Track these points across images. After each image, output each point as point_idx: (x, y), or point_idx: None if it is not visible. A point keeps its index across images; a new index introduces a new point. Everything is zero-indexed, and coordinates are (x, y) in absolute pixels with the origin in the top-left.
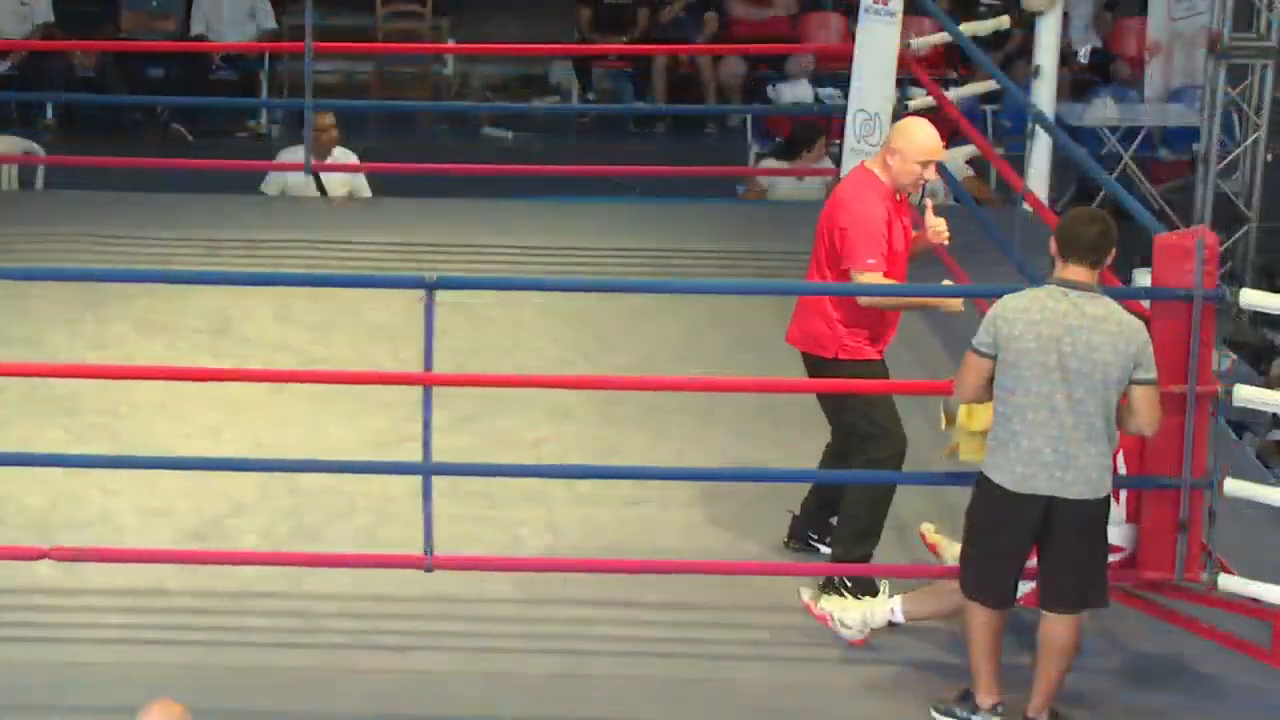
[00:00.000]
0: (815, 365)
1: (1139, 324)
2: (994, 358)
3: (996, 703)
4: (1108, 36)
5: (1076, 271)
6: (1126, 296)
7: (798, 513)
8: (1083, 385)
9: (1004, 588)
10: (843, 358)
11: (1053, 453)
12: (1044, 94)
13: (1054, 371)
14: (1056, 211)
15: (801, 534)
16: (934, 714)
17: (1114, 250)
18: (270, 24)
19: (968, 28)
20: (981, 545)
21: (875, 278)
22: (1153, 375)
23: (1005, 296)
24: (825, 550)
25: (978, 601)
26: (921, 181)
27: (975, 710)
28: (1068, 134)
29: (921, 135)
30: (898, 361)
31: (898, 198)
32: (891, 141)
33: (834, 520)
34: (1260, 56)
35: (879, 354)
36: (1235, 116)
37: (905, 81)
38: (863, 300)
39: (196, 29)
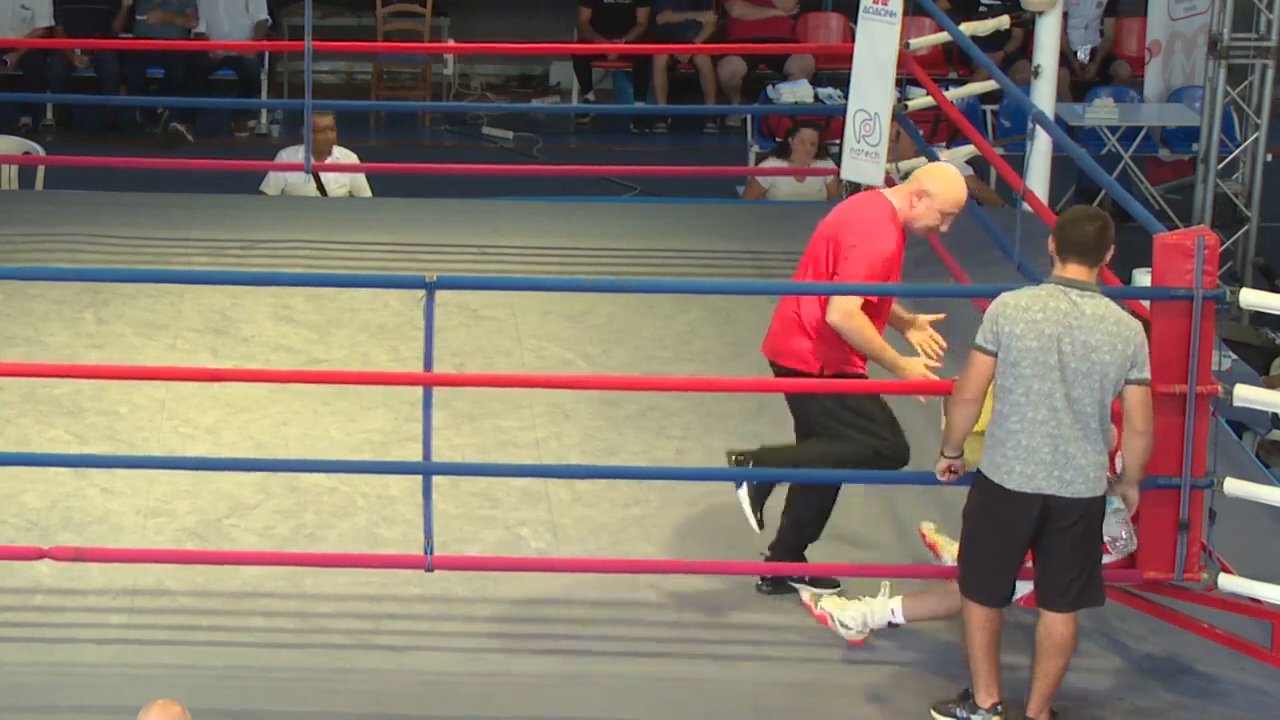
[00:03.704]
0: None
1: (1137, 324)
2: (996, 354)
3: (996, 702)
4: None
5: (1076, 270)
6: (1126, 296)
7: (768, 553)
8: (1081, 385)
9: (1002, 587)
10: (829, 373)
11: (1051, 451)
12: (1044, 94)
13: (1054, 370)
14: (1056, 211)
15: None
16: (934, 714)
17: (1112, 248)
18: (262, 14)
19: (968, 28)
20: (979, 545)
21: (856, 307)
22: (1146, 375)
23: (1004, 294)
24: (802, 590)
25: (976, 601)
26: (933, 231)
27: (975, 710)
28: (1068, 134)
29: (957, 187)
30: None
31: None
32: (924, 182)
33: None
34: (1260, 56)
35: (864, 366)
36: (1235, 116)
37: (905, 81)
38: (833, 316)
39: (197, 26)
